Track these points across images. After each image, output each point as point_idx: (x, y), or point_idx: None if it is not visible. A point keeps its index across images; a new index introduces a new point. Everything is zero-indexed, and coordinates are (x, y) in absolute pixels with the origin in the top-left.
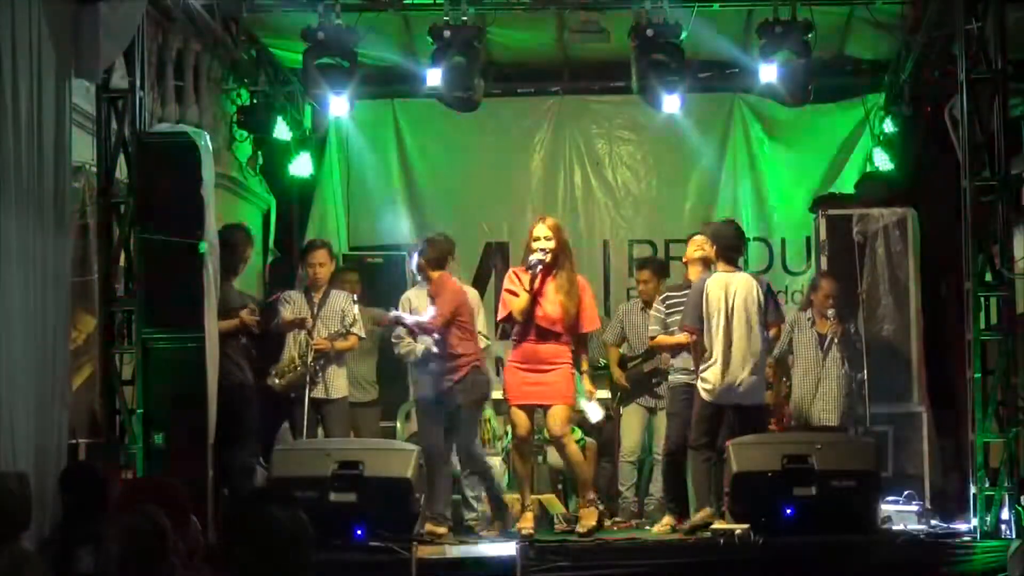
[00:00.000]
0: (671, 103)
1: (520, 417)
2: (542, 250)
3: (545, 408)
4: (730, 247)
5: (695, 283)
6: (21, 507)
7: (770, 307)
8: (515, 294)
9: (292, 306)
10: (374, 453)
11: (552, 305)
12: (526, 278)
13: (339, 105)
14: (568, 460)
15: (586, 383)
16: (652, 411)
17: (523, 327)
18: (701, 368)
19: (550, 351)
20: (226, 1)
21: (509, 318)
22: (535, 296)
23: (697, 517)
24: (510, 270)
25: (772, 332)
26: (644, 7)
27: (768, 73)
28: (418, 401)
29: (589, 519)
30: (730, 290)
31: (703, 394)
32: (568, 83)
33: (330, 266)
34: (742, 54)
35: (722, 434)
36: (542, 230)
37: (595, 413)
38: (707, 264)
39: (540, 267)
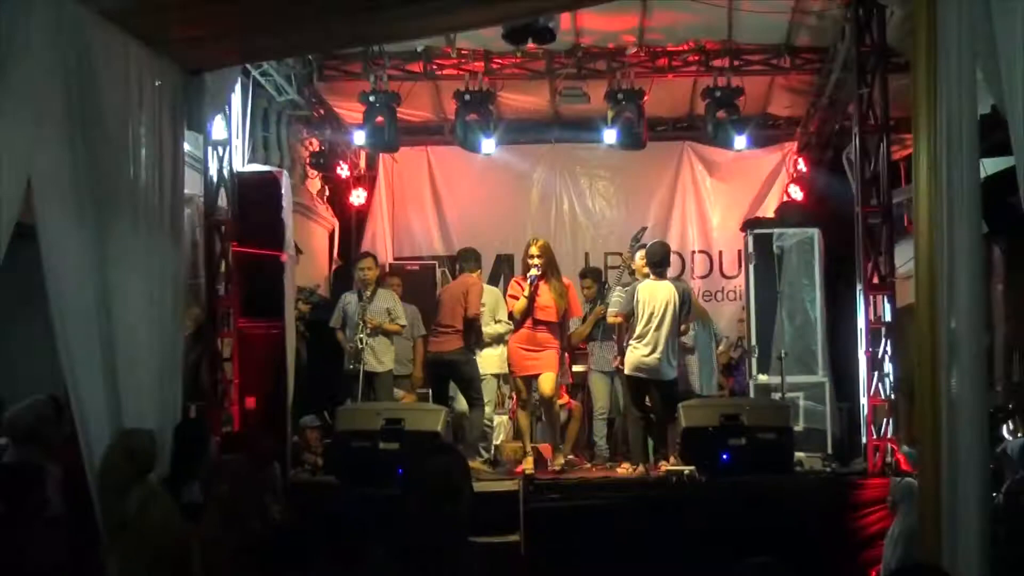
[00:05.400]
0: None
1: (521, 385)
2: (535, 266)
3: (537, 376)
4: (655, 262)
5: (631, 286)
6: (150, 455)
7: (683, 311)
8: (516, 297)
9: (346, 302)
10: (412, 412)
11: (547, 303)
12: (526, 285)
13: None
14: (549, 415)
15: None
16: (612, 376)
17: (523, 320)
18: (626, 349)
19: (543, 337)
20: (301, 73)
21: (511, 315)
22: (531, 300)
23: (629, 469)
24: (513, 278)
25: (683, 329)
26: (616, 77)
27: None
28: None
29: (558, 459)
30: (654, 295)
31: (625, 367)
32: (558, 134)
33: (375, 271)
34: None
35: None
36: (533, 250)
37: None
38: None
39: (535, 281)
